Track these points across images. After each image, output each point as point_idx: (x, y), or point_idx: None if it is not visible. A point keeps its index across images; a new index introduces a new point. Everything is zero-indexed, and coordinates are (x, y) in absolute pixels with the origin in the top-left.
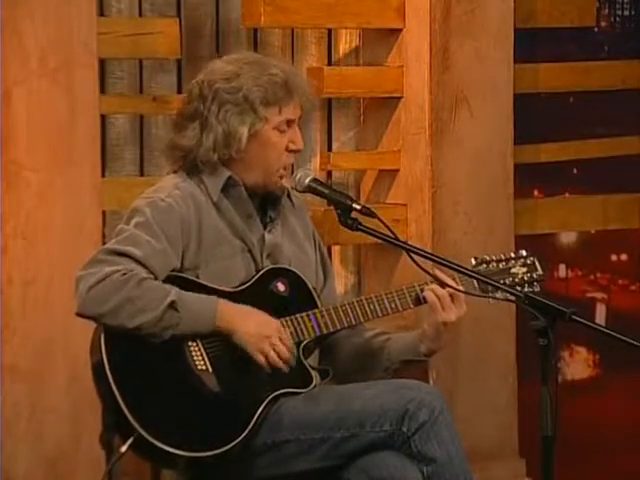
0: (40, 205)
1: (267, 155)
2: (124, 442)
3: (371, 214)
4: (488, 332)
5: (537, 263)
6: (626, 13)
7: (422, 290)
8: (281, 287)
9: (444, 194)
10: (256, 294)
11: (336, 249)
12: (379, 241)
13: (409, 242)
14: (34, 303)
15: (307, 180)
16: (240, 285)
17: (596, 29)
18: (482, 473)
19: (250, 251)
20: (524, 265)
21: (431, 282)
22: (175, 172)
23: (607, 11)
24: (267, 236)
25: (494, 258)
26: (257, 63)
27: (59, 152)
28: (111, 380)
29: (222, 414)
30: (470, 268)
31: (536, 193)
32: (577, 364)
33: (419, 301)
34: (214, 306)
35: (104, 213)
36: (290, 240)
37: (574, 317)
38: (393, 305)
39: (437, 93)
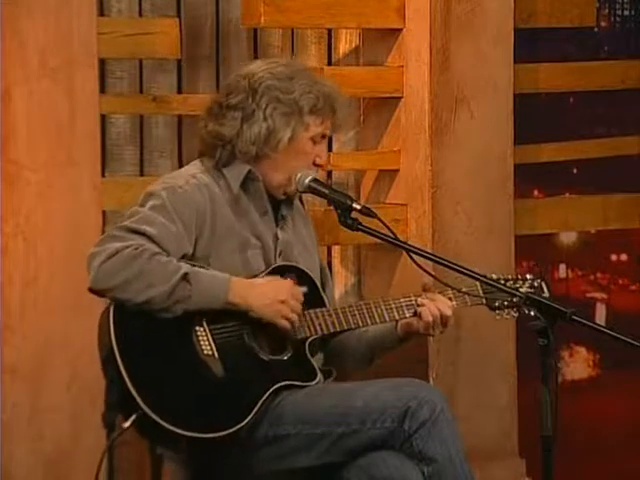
0: (40, 205)
1: (296, 163)
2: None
3: (371, 214)
4: (488, 332)
5: (544, 286)
6: (626, 13)
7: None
8: None
9: (444, 194)
10: None
11: (336, 249)
12: (379, 241)
13: (409, 242)
14: (34, 303)
15: (307, 180)
16: (250, 278)
17: (596, 29)
18: (482, 473)
19: (263, 247)
20: (531, 287)
21: (439, 292)
22: (200, 161)
23: (607, 11)
24: (280, 234)
25: (502, 277)
26: (307, 72)
27: (59, 152)
28: (118, 357)
29: (225, 399)
30: (480, 283)
31: (536, 193)
32: (577, 364)
33: None
34: (227, 280)
35: (104, 213)
36: (298, 240)
37: (574, 317)
38: (400, 312)
39: (437, 93)
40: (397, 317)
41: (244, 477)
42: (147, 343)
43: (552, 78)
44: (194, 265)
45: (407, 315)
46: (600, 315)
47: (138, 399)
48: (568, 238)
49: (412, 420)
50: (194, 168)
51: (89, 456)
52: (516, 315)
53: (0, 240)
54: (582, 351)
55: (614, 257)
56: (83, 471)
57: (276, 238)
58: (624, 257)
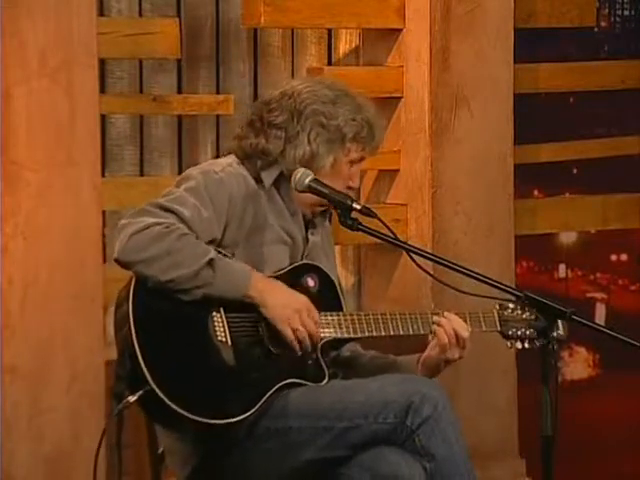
0: (40, 205)
1: (332, 184)
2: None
3: (371, 214)
4: (488, 332)
5: (560, 323)
6: (626, 13)
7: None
8: (311, 282)
9: (444, 194)
10: (286, 283)
11: (336, 249)
12: (379, 241)
13: (409, 242)
14: (34, 303)
15: (307, 180)
16: (272, 273)
17: (596, 29)
18: (482, 473)
19: (292, 245)
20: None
21: (449, 313)
22: (237, 157)
23: (607, 11)
24: (310, 237)
25: (519, 306)
26: (350, 95)
27: (59, 152)
28: (133, 331)
29: (232, 388)
30: (496, 310)
31: (536, 193)
32: (577, 364)
33: None
34: (249, 274)
35: (104, 213)
36: (322, 249)
37: (574, 317)
38: (415, 327)
39: (437, 93)
40: (411, 331)
41: (246, 471)
42: (163, 321)
43: (552, 78)
44: (220, 252)
45: (422, 331)
46: (600, 315)
47: (147, 375)
48: (568, 238)
49: (415, 416)
50: (231, 160)
51: (89, 456)
52: (528, 347)
53: (0, 240)
54: (582, 351)
55: (614, 257)
56: (83, 471)
57: (306, 240)
58: (624, 257)
